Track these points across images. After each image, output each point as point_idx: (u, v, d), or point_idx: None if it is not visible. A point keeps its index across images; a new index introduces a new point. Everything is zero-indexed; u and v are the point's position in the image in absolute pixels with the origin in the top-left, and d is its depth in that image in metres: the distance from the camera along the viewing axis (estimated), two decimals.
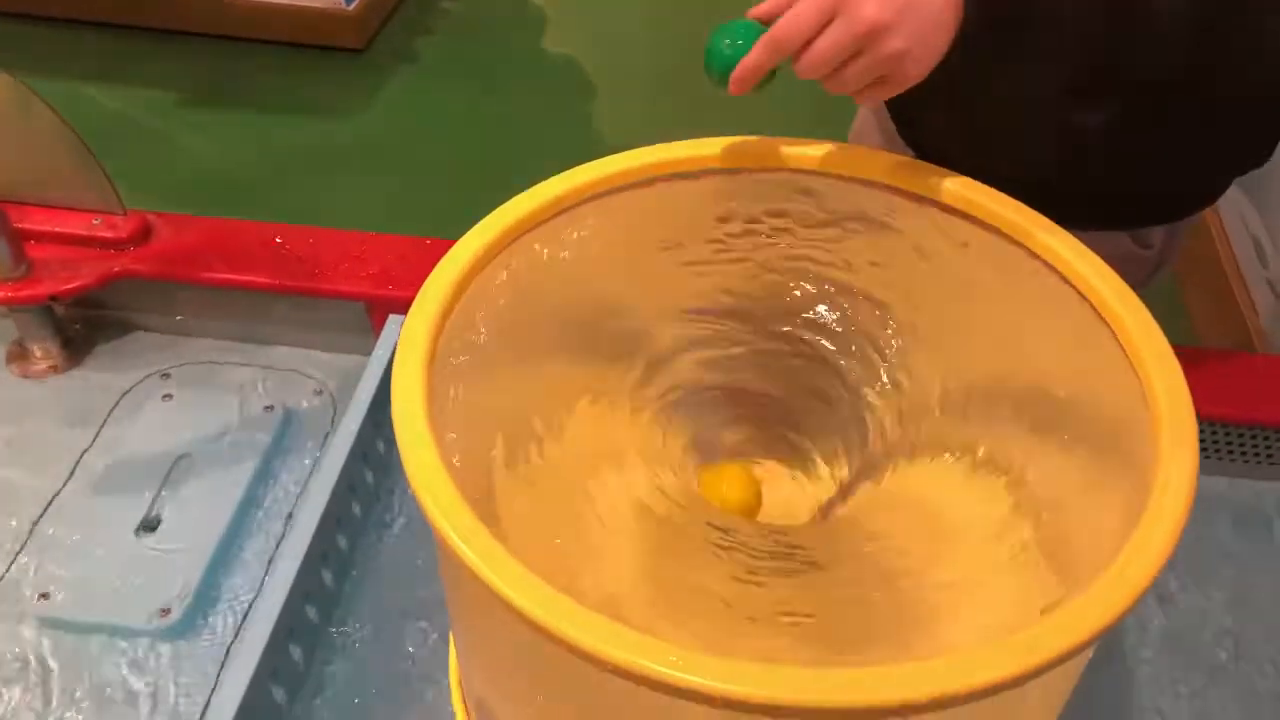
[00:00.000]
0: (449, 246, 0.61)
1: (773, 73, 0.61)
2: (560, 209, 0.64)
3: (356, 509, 0.87)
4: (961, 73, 0.61)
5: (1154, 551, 0.46)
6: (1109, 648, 0.81)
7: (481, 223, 0.62)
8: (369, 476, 0.89)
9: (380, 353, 0.94)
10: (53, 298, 0.97)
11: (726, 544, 0.57)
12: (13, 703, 0.77)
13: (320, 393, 0.99)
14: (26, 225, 0.98)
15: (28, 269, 0.97)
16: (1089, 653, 0.48)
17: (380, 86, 2.49)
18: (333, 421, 0.97)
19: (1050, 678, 0.44)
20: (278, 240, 1.02)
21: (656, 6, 2.80)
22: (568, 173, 0.64)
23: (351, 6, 2.51)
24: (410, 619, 0.82)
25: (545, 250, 0.64)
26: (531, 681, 0.54)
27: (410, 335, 0.56)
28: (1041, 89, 0.74)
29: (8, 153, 0.96)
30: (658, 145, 0.67)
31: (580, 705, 0.51)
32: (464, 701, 0.68)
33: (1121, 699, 0.79)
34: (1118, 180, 0.80)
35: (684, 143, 0.67)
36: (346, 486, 0.85)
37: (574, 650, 0.43)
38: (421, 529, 0.89)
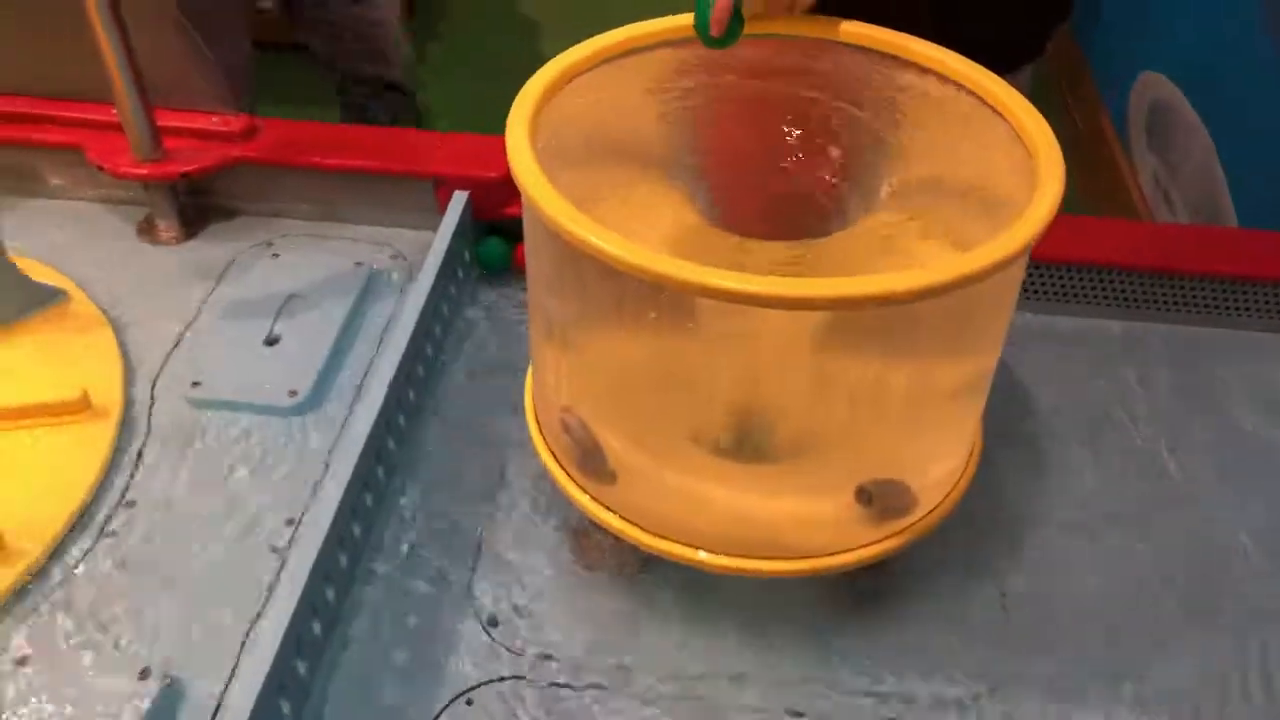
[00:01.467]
0: (499, 140, 0.80)
1: (739, 19, 0.84)
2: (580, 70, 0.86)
3: (429, 349, 1.09)
4: None
5: (1046, 206, 0.70)
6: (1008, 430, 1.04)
7: (541, 70, 0.84)
8: (437, 330, 1.11)
9: (448, 219, 1.17)
10: (182, 175, 1.19)
11: (743, 248, 0.79)
12: (184, 460, 0.98)
13: (396, 256, 1.22)
14: (163, 122, 1.20)
15: (164, 154, 1.19)
16: (1019, 273, 0.72)
17: None
18: (411, 276, 1.19)
19: (995, 284, 0.67)
20: (359, 138, 1.25)
21: None
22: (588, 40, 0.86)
23: None
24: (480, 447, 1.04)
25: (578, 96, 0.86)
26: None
27: (515, 118, 0.79)
28: None
29: (150, 64, 1.18)
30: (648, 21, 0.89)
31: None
32: (536, 416, 0.90)
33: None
34: (960, 29, 0.97)
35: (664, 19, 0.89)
36: (423, 331, 1.07)
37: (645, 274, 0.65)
38: (482, 370, 1.11)
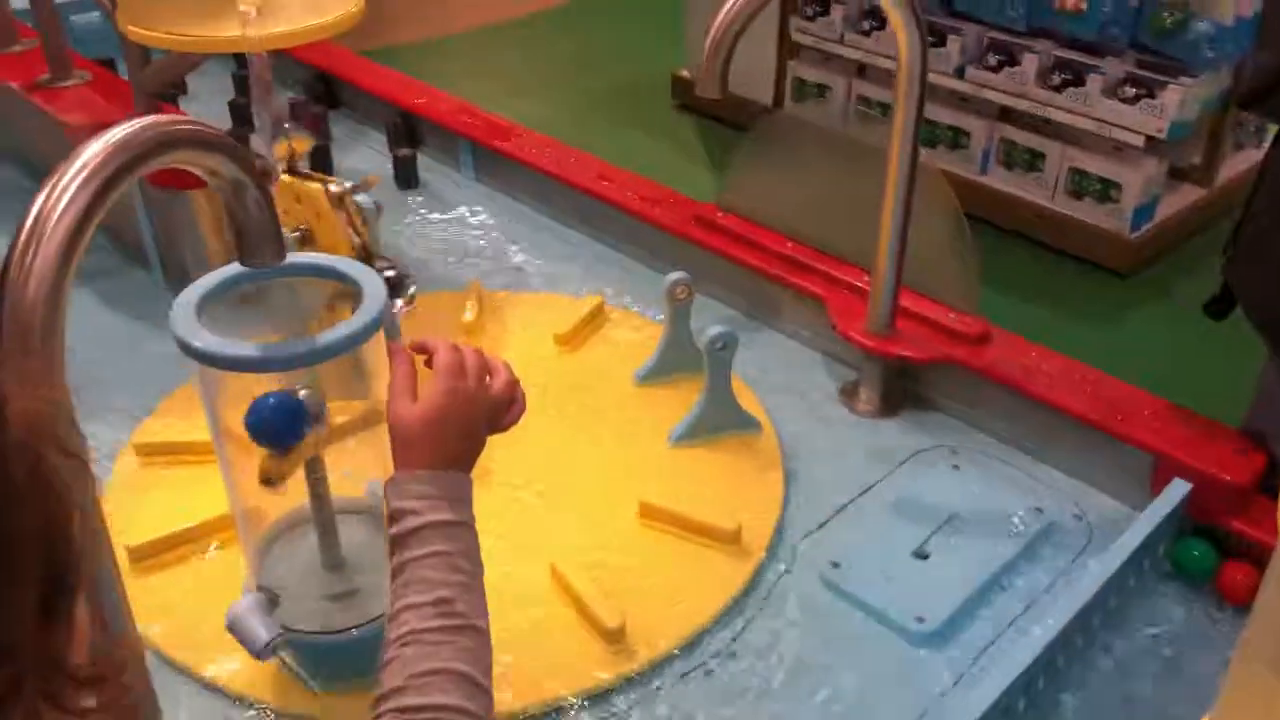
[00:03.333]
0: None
1: None
2: None
3: (1079, 640, 0.96)
4: None
5: None
6: None
7: None
8: (1094, 621, 0.97)
9: (1158, 505, 1.03)
10: (901, 358, 1.20)
11: None
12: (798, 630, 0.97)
13: (1079, 517, 1.10)
14: (903, 301, 1.23)
15: (893, 332, 1.21)
16: None
17: (1134, 312, 2.57)
18: (1086, 547, 1.07)
19: None
20: (1082, 378, 1.16)
21: None
22: None
23: (1134, 235, 2.64)
24: None
25: None
26: None
27: None
28: None
29: (917, 244, 1.22)
30: None
31: None
32: None
33: None
34: None
35: None
36: (1085, 613, 0.94)
37: None
38: (1135, 667, 0.95)
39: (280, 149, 1.22)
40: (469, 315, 1.35)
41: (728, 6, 1.01)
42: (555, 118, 3.74)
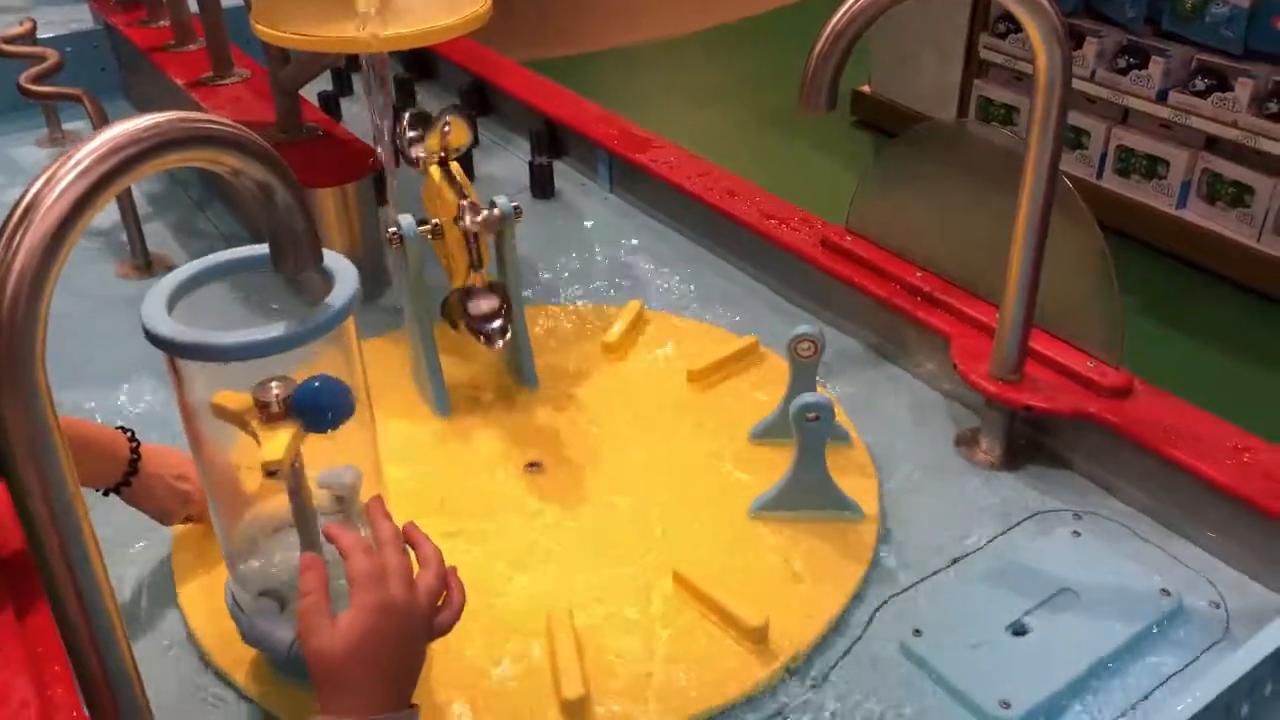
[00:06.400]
0: None
1: None
2: None
3: None
4: None
5: None
6: None
7: None
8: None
9: None
10: (1028, 409, 1.08)
11: None
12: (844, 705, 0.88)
13: (1215, 604, 0.96)
14: (1037, 344, 1.11)
15: (1020, 378, 1.10)
16: None
17: None
18: (1219, 641, 0.93)
19: None
20: (1237, 445, 1.02)
21: None
22: None
23: None
24: None
25: None
26: None
27: None
28: None
29: (1054, 287, 1.09)
30: None
31: None
32: None
33: None
34: None
35: None
36: (1210, 714, 0.81)
37: None
38: None
39: (433, 140, 1.20)
40: (613, 334, 1.30)
41: (840, 11, 0.92)
42: (730, 130, 3.70)
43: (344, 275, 0.76)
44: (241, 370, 0.72)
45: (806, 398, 0.98)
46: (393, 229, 1.13)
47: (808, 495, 1.03)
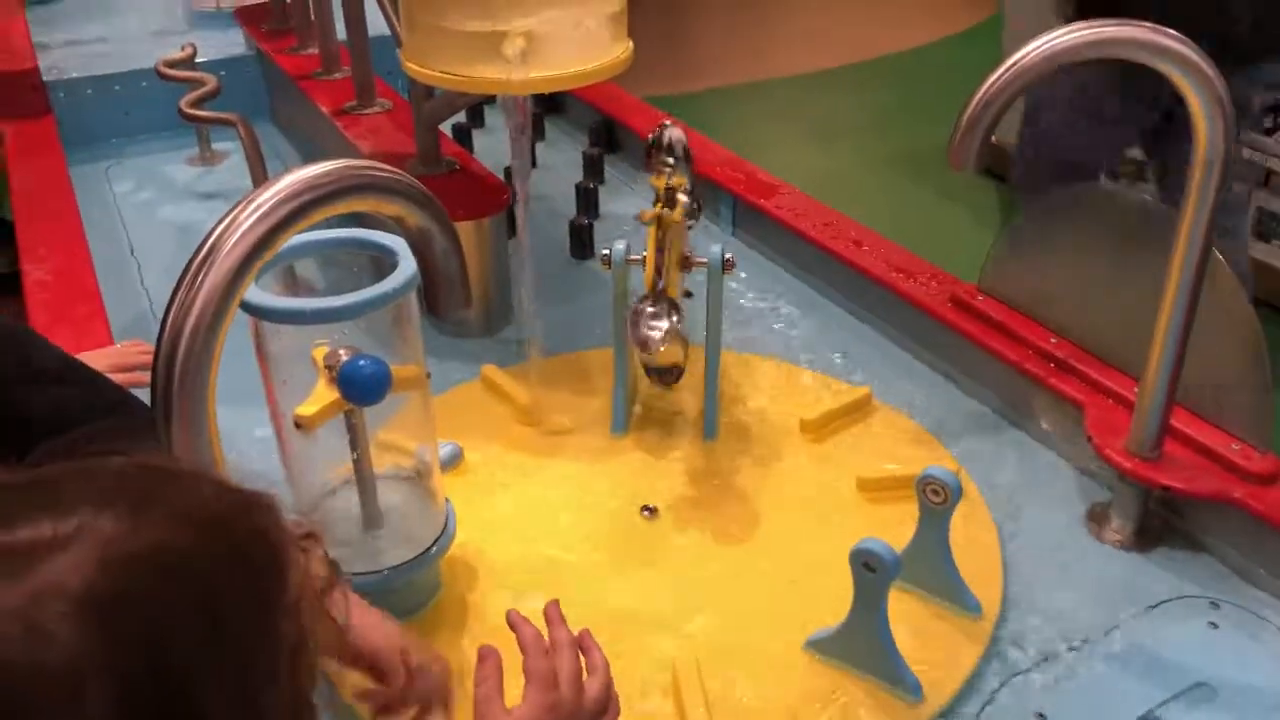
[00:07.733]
0: None
1: None
2: None
3: None
4: None
5: None
6: None
7: None
8: None
9: None
10: (1165, 488, 1.04)
11: None
12: None
13: None
14: (1179, 423, 1.07)
15: (1158, 456, 1.06)
16: None
17: None
18: None
19: None
20: None
21: None
22: None
23: None
24: None
25: None
26: None
27: None
28: None
29: (1205, 366, 1.05)
30: None
31: None
32: None
33: None
34: None
35: None
36: None
37: None
38: None
39: (657, 181, 1.20)
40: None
41: (991, 79, 0.91)
42: (850, 171, 3.67)
43: (404, 258, 0.81)
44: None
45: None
46: (605, 251, 1.20)
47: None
